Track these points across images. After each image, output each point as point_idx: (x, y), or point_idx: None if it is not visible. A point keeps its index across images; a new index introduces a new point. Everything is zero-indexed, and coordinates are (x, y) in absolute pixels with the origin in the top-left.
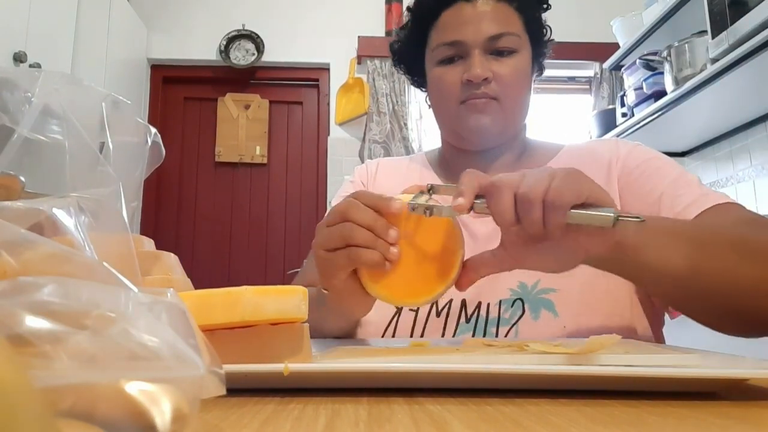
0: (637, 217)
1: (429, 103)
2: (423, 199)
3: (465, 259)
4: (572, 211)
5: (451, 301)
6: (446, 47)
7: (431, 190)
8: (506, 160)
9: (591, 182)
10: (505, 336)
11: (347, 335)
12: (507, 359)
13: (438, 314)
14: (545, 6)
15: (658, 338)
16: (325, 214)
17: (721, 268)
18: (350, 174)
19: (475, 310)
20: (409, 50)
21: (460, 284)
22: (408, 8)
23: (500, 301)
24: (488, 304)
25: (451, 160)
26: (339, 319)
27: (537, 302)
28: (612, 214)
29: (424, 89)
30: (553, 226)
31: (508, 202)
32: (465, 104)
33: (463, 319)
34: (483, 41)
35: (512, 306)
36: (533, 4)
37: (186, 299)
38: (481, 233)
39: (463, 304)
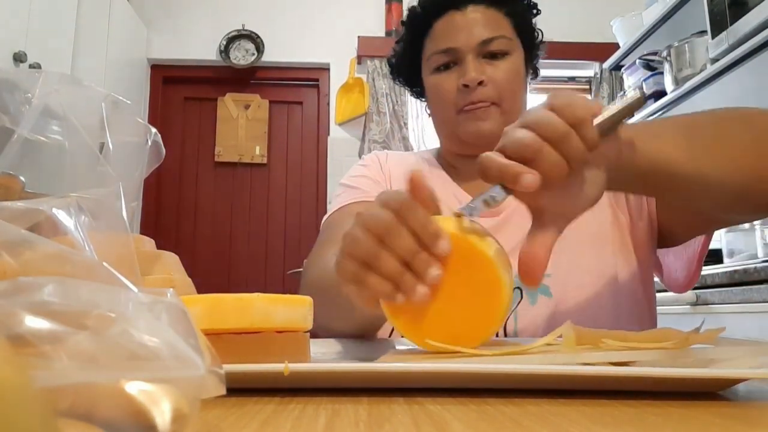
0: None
1: (428, 111)
2: (478, 201)
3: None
4: (599, 117)
5: None
6: (441, 55)
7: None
8: None
9: (577, 94)
10: (506, 321)
11: (359, 334)
12: (549, 359)
13: None
14: (535, 11)
15: (651, 307)
16: (326, 219)
17: (729, 154)
18: (353, 166)
19: None
20: (406, 62)
21: (531, 278)
22: (402, 22)
23: None
24: None
25: (453, 163)
26: (356, 319)
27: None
28: (638, 93)
29: (423, 99)
30: (591, 145)
31: (553, 156)
32: (464, 112)
33: None
34: (475, 46)
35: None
36: (523, 10)
37: (198, 303)
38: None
39: None
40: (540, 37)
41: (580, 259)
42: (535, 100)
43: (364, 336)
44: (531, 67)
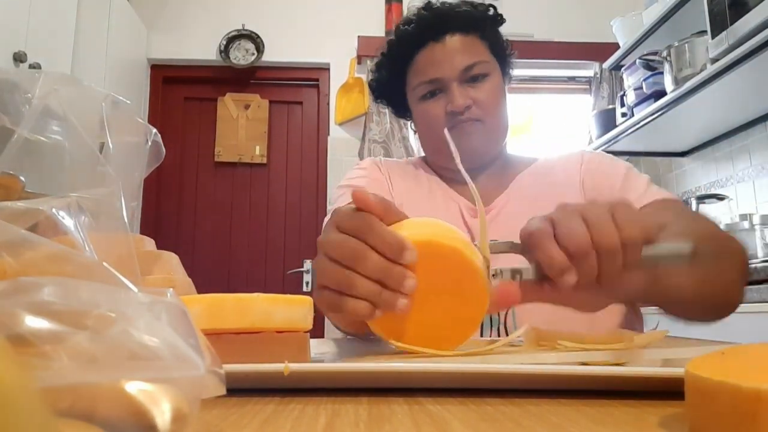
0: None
1: (414, 129)
2: (507, 270)
3: (502, 282)
4: (646, 250)
5: None
6: (426, 85)
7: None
8: (493, 170)
9: (641, 212)
10: (504, 318)
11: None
12: (508, 359)
13: None
14: (500, 21)
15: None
16: (328, 219)
17: (721, 281)
18: (349, 170)
19: None
20: (389, 89)
21: (495, 306)
22: (382, 53)
23: None
24: None
25: (440, 172)
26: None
27: None
28: (688, 248)
29: (406, 119)
30: (629, 267)
31: (593, 262)
32: (452, 130)
33: None
34: (458, 74)
35: None
36: (493, 29)
37: (199, 303)
38: (475, 229)
39: None
40: (509, 48)
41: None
42: (534, 99)
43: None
44: (507, 77)
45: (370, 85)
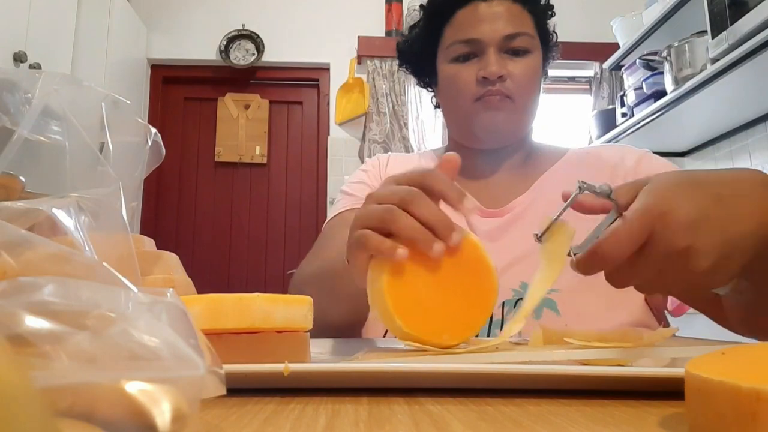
0: None
1: (435, 102)
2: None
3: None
4: None
5: None
6: (462, 45)
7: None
8: (514, 161)
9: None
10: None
11: (353, 325)
12: (506, 357)
13: None
14: (551, 13)
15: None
16: (328, 220)
17: None
18: (350, 175)
19: None
20: (420, 49)
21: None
22: (421, 5)
23: (504, 303)
24: None
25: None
26: (351, 302)
27: (539, 301)
28: None
29: (430, 89)
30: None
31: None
32: (480, 101)
33: None
34: (499, 40)
35: (515, 306)
36: (542, 9)
37: (198, 303)
38: (483, 230)
39: None
40: (555, 39)
41: (589, 278)
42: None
43: (353, 329)
44: (546, 66)
45: (397, 46)
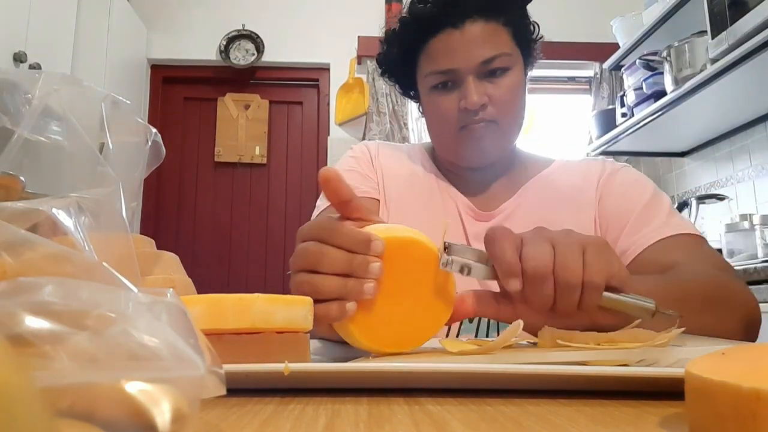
0: (672, 310)
1: (421, 110)
2: (459, 257)
3: (462, 292)
4: (608, 295)
5: None
6: (439, 75)
7: (448, 248)
8: (497, 170)
9: (618, 258)
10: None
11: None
12: (506, 358)
13: None
14: (528, 21)
15: None
16: (298, 234)
17: (692, 321)
18: (342, 158)
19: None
20: (398, 69)
21: (452, 317)
22: (393, 30)
23: None
24: None
25: (445, 166)
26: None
27: None
28: (652, 306)
29: (415, 100)
30: (585, 307)
31: (549, 291)
32: (465, 130)
33: (466, 319)
34: (475, 66)
35: None
36: (517, 10)
37: (198, 303)
38: (473, 232)
39: None
40: (536, 31)
41: None
42: (535, 99)
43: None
44: (530, 65)
45: (377, 59)
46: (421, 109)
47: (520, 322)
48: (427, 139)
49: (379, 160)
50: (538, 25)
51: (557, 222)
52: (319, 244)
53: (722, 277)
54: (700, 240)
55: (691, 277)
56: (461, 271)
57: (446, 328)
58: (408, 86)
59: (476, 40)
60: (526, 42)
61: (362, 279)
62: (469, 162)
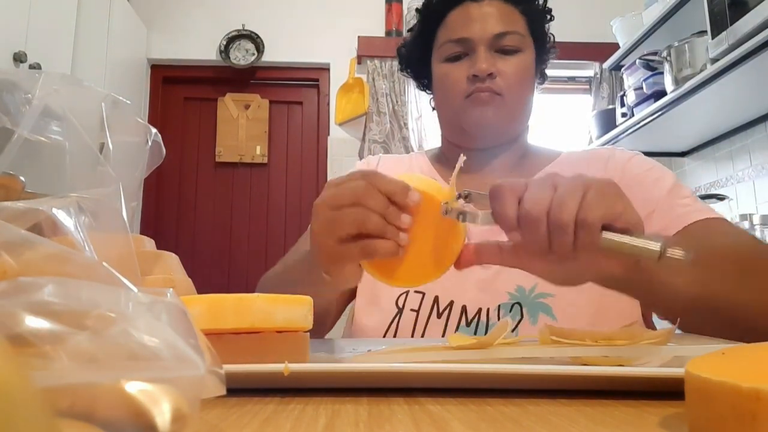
0: (683, 252)
1: (433, 105)
2: (456, 204)
3: (469, 242)
4: (608, 235)
5: (452, 303)
6: (453, 44)
7: (468, 197)
8: (506, 161)
9: (627, 200)
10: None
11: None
12: (501, 352)
13: (439, 316)
14: (549, 17)
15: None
16: (325, 188)
17: (726, 290)
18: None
19: (475, 314)
20: (417, 51)
21: (459, 264)
22: (417, 9)
23: (499, 306)
24: (488, 309)
25: (451, 158)
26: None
27: (534, 306)
28: (657, 248)
29: (429, 92)
30: (582, 248)
31: (543, 232)
32: (470, 98)
33: (463, 322)
34: (489, 38)
35: (510, 311)
36: (537, 11)
37: (198, 303)
38: (477, 231)
39: (464, 309)
40: (551, 41)
41: (590, 284)
42: (535, 100)
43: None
44: (539, 70)
45: (398, 51)
46: (432, 103)
47: (508, 321)
48: (426, 138)
49: (381, 170)
50: (554, 36)
51: None
52: (365, 182)
53: (761, 247)
54: (729, 223)
55: (729, 242)
56: (459, 217)
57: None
58: (424, 75)
59: (492, 14)
60: (540, 36)
61: (398, 229)
62: (474, 132)
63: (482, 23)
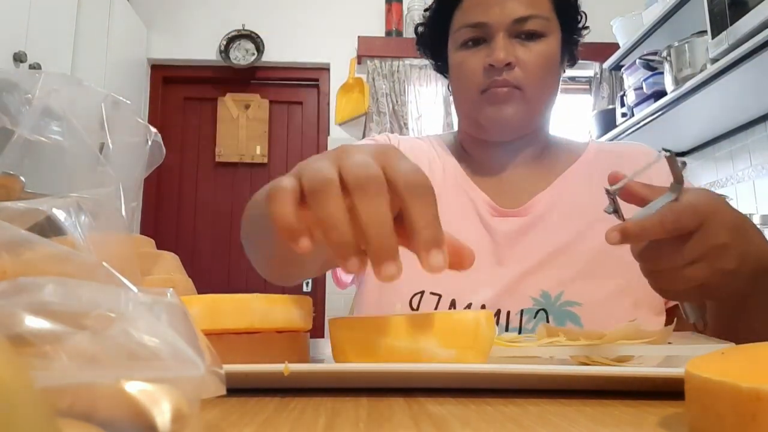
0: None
1: (450, 90)
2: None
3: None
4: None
5: (470, 305)
6: (469, 29)
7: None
8: (527, 154)
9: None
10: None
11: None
12: (507, 352)
13: None
14: None
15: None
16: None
17: None
18: (365, 140)
19: (495, 316)
20: (433, 33)
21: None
22: None
23: (522, 311)
24: (508, 312)
25: (469, 150)
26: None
27: (562, 314)
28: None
29: (446, 75)
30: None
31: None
32: (486, 93)
33: None
34: (508, 23)
35: (535, 316)
36: None
37: (198, 303)
38: (501, 230)
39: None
40: (583, 20)
41: (612, 289)
42: None
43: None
44: (568, 52)
45: (415, 30)
46: (449, 88)
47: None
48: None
49: (401, 148)
50: (585, 14)
51: (604, 218)
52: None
53: None
54: None
55: None
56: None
57: None
58: (440, 58)
59: None
60: (569, 20)
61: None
62: (491, 128)
63: (501, 6)
